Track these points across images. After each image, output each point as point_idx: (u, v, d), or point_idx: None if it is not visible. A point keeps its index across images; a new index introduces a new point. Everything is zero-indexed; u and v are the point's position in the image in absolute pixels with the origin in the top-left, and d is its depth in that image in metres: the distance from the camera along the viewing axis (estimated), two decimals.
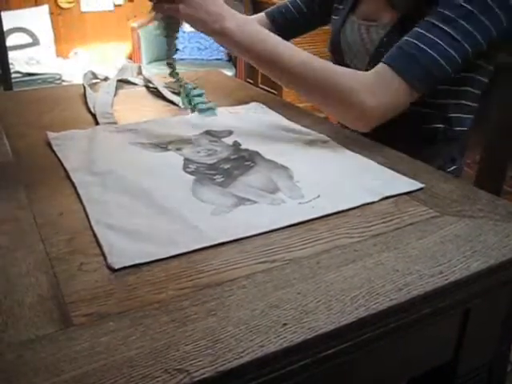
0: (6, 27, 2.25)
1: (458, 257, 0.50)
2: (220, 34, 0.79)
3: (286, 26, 1.12)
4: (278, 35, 1.07)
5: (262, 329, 0.40)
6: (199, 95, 0.76)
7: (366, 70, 0.86)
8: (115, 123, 0.86)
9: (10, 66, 2.16)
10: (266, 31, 0.81)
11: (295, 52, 0.80)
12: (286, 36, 1.10)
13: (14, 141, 0.79)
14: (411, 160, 0.73)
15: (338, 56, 0.99)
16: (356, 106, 0.76)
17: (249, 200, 0.60)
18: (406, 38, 0.78)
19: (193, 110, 0.78)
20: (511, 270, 0.52)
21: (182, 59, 3.31)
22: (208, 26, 0.78)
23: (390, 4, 0.87)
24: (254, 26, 0.81)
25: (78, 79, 1.00)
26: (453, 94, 0.88)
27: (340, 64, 0.95)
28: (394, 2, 0.86)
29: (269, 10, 1.14)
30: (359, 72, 0.79)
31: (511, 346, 0.65)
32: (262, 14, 1.14)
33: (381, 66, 0.77)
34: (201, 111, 0.76)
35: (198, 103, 0.75)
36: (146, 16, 3.38)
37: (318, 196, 0.62)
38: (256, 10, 2.97)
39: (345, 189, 0.64)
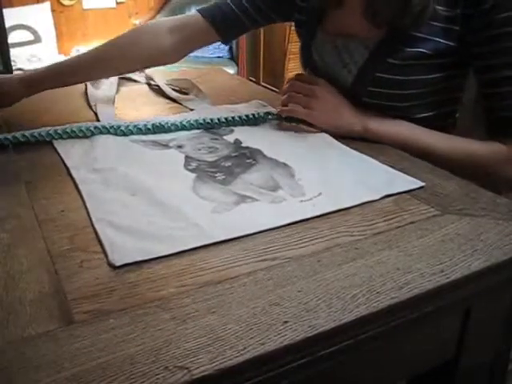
0: (7, 24, 2.25)
1: (459, 255, 0.50)
2: (362, 134, 0.80)
3: (228, 25, 0.94)
4: (219, 35, 0.94)
5: (263, 326, 0.40)
6: None
7: (351, 90, 0.83)
8: (116, 121, 0.86)
9: (12, 63, 2.17)
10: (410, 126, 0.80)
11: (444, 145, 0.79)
12: (228, 36, 0.96)
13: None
14: (412, 158, 0.73)
15: (311, 71, 0.92)
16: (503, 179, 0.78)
17: (250, 198, 0.60)
18: None
19: None
20: None
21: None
22: (344, 129, 0.80)
23: (372, 23, 0.79)
24: (394, 125, 0.80)
25: None
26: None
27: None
28: (377, 20, 0.79)
29: (202, 8, 0.94)
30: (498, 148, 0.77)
31: None
32: (195, 15, 0.94)
33: None
34: None
35: None
36: (146, 13, 3.38)
37: (319, 194, 0.62)
38: None
39: (346, 187, 0.64)
